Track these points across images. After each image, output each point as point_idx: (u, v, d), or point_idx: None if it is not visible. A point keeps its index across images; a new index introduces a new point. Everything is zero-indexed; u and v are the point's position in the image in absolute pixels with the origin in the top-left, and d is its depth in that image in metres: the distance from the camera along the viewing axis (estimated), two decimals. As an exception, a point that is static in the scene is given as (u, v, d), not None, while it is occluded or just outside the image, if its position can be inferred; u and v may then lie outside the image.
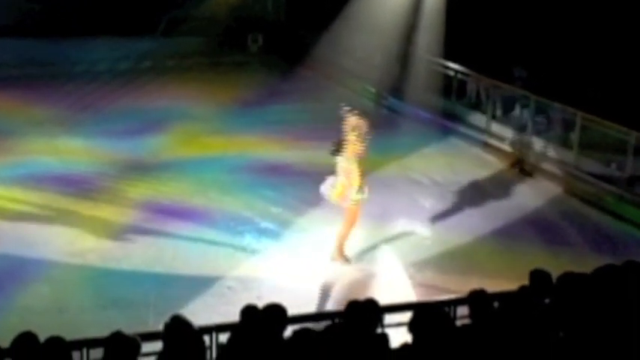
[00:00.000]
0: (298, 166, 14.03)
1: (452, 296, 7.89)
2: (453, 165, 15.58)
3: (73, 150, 15.30)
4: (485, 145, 16.47)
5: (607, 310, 6.52)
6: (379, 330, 6.30)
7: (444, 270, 11.17)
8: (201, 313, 9.00)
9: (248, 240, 11.90)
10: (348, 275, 11.00)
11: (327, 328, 6.46)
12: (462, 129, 17.10)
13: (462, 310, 7.24)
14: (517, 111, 16.57)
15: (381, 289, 10.49)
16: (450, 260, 11.46)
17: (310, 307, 9.76)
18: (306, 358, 5.79)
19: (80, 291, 10.41)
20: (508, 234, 12.41)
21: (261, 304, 6.37)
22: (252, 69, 22.23)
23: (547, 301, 6.81)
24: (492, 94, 17.01)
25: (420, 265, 11.30)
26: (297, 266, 11.04)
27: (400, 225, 12.56)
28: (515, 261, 10.95)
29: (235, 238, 11.91)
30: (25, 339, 5.73)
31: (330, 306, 10.08)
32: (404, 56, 19.05)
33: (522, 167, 15.27)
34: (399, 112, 17.68)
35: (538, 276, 7.04)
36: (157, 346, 6.15)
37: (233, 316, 6.53)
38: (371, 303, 6.32)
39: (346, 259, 11.16)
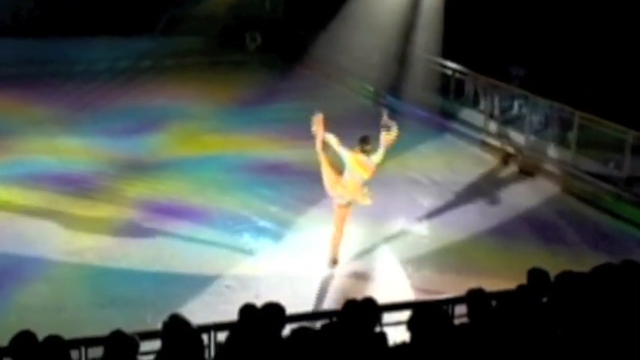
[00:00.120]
0: (296, 165, 14.03)
1: (450, 295, 7.91)
2: (451, 164, 15.61)
3: (71, 149, 15.30)
4: (483, 144, 16.50)
5: (605, 309, 6.52)
6: (377, 329, 6.30)
7: (441, 269, 11.20)
8: (199, 311, 9.03)
9: (246, 239, 11.92)
10: (346, 274, 11.01)
11: (325, 326, 6.46)
12: (460, 128, 17.13)
13: (460, 309, 7.26)
14: (515, 110, 16.60)
15: (378, 287, 10.52)
16: (447, 259, 11.48)
17: (308, 306, 9.77)
18: (305, 356, 5.80)
19: (78, 290, 10.42)
20: (506, 233, 12.44)
21: (259, 302, 6.38)
22: (250, 68, 22.25)
23: (545, 300, 6.82)
24: (490, 93, 17.03)
25: (417, 264, 11.32)
26: (295, 265, 11.05)
27: (398, 223, 12.59)
28: (513, 260, 10.97)
29: (233, 237, 11.92)
30: (24, 338, 5.73)
31: (328, 305, 10.08)
32: (402, 55, 19.07)
33: (523, 168, 15.25)
34: (397, 111, 17.66)
35: (536, 275, 7.04)
36: (156, 344, 6.15)
37: (231, 314, 6.53)
38: (369, 302, 6.32)
39: (335, 262, 11.13)
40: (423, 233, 12.43)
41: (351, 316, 6.20)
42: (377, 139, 10.70)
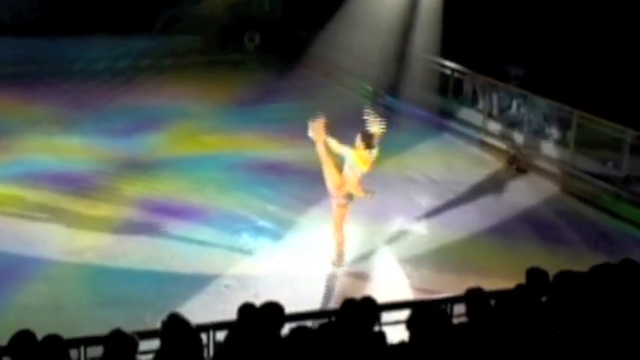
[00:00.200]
0: (295, 165, 14.02)
1: (449, 294, 7.91)
2: (450, 163, 15.61)
3: (70, 148, 15.29)
4: (482, 144, 16.50)
5: (604, 308, 6.53)
6: (376, 328, 6.31)
7: (440, 268, 11.20)
8: (198, 311, 9.02)
9: (245, 238, 11.91)
10: (345, 273, 11.01)
11: (324, 326, 6.46)
12: (459, 127, 17.13)
13: (459, 308, 7.26)
14: (513, 109, 16.60)
15: (377, 286, 10.52)
16: (446, 258, 11.48)
17: (307, 305, 9.75)
18: (304, 356, 5.81)
19: (78, 289, 10.41)
20: (505, 232, 12.44)
21: (258, 302, 6.39)
22: (249, 67, 22.24)
23: (544, 299, 6.83)
24: (489, 93, 17.03)
25: (416, 263, 11.32)
26: (294, 264, 11.05)
27: (397, 223, 12.59)
28: (512, 259, 10.98)
29: (232, 236, 11.92)
30: (23, 337, 5.73)
31: (327, 304, 10.09)
32: (401, 54, 19.06)
33: (518, 166, 15.29)
34: (396, 110, 17.68)
35: (535, 274, 7.05)
36: (155, 344, 6.15)
37: (230, 314, 6.53)
38: (368, 301, 6.33)
39: (342, 262, 11.13)
40: (421, 232, 12.43)
41: (350, 315, 6.21)
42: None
